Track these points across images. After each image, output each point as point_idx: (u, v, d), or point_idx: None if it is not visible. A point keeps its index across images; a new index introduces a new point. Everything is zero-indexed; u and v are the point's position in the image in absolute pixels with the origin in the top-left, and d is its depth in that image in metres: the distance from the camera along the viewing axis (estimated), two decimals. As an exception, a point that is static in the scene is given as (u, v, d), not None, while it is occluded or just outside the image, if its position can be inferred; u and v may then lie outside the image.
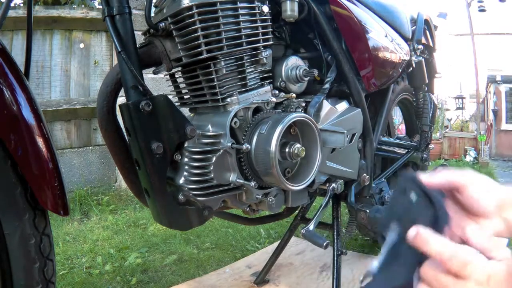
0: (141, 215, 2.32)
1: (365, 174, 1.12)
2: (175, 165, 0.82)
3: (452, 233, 0.42)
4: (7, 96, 0.64)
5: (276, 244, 1.42)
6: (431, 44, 1.62)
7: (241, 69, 0.86)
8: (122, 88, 0.80)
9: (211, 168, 0.80)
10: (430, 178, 0.44)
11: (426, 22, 1.58)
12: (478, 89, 7.31)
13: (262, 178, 0.84)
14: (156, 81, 2.60)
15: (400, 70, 1.29)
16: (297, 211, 1.27)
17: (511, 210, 0.43)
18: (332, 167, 1.00)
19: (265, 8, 0.85)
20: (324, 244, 0.94)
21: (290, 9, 0.92)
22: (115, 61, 1.40)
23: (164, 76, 0.96)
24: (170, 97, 0.80)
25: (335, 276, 1.08)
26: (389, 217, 0.44)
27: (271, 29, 0.89)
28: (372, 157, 1.14)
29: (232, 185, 0.84)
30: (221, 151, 0.81)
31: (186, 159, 0.80)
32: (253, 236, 1.92)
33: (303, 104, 0.95)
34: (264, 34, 0.87)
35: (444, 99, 11.02)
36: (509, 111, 8.52)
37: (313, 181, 0.93)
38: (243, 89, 0.86)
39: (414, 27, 1.48)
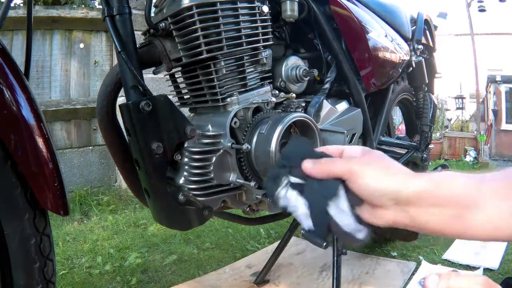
0: (141, 215, 2.32)
1: (365, 174, 1.12)
2: (175, 165, 0.82)
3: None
4: (7, 96, 0.64)
5: (276, 244, 1.42)
6: (431, 44, 1.62)
7: (241, 69, 0.86)
8: (122, 88, 0.80)
9: (211, 168, 0.80)
10: (313, 167, 0.45)
11: (426, 22, 1.58)
12: (478, 89, 7.31)
13: (262, 178, 0.84)
14: (156, 81, 2.60)
15: (400, 70, 1.29)
16: (297, 211, 1.27)
17: (413, 206, 0.42)
18: (332, 167, 1.00)
19: (265, 8, 0.85)
20: (324, 244, 0.94)
21: (290, 9, 0.92)
22: (115, 61, 1.40)
23: (164, 76, 0.96)
24: (170, 97, 0.80)
25: (335, 276, 1.08)
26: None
27: (271, 29, 0.89)
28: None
29: (232, 185, 0.84)
30: (221, 151, 0.81)
31: (186, 159, 0.80)
32: (253, 236, 1.91)
33: (303, 104, 0.95)
34: (264, 34, 0.87)
35: (444, 99, 11.02)
36: (509, 111, 8.53)
37: (313, 181, 0.93)
38: (243, 89, 0.86)
39: (414, 27, 1.49)
